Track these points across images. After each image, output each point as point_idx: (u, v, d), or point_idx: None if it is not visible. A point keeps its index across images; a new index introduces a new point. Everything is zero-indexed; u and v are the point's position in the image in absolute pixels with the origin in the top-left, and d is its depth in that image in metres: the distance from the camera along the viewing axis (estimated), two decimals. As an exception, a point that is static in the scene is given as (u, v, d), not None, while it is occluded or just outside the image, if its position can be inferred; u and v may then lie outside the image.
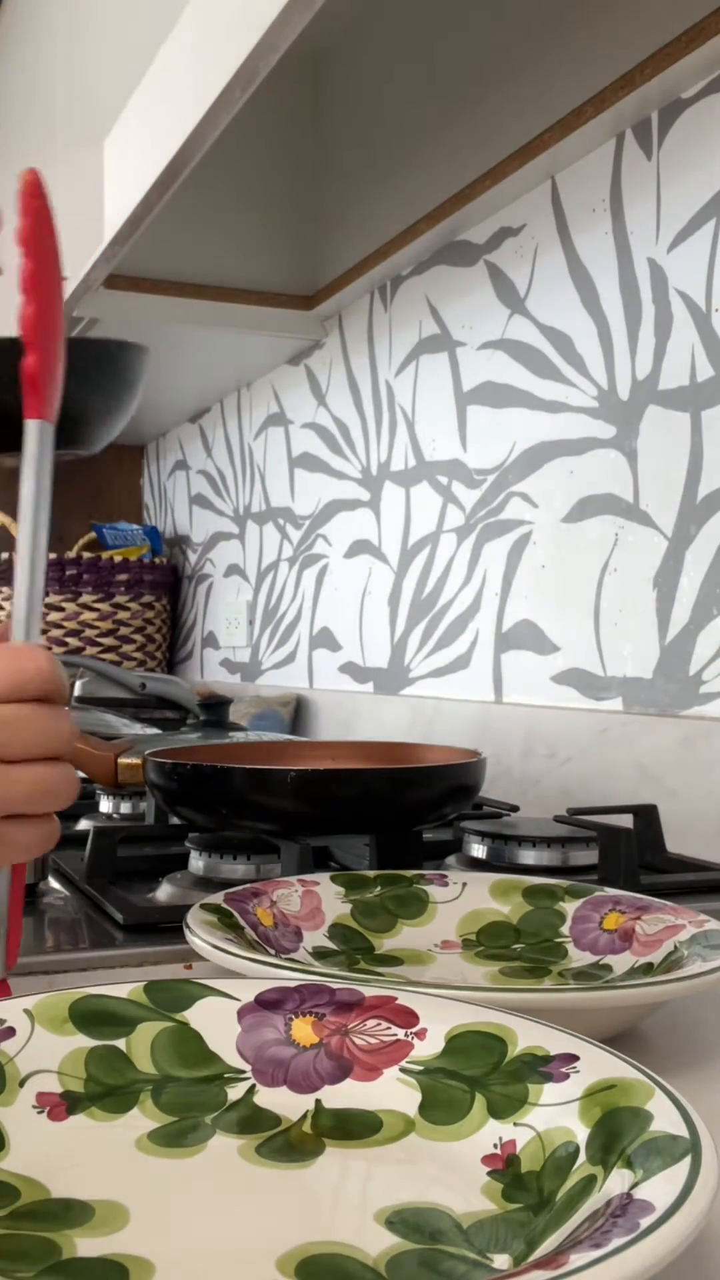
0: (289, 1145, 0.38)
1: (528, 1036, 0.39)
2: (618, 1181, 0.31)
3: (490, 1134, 0.37)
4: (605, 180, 1.06)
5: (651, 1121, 0.33)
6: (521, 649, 1.18)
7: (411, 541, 1.39)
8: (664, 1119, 0.32)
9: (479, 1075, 0.39)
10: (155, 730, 1.41)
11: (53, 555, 2.10)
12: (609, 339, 1.06)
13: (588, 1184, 0.32)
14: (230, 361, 1.79)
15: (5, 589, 2.09)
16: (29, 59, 1.68)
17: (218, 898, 0.57)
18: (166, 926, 0.64)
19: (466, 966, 0.59)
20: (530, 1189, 0.34)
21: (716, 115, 0.94)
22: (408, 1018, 0.41)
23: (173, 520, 2.35)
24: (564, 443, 1.12)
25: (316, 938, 0.59)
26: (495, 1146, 0.36)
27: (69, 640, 2.09)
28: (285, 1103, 0.40)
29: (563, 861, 0.79)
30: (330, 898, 0.62)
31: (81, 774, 1.02)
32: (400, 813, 0.76)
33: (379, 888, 0.64)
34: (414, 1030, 0.41)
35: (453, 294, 1.31)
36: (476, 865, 0.80)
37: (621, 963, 0.57)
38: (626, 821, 0.81)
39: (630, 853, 0.74)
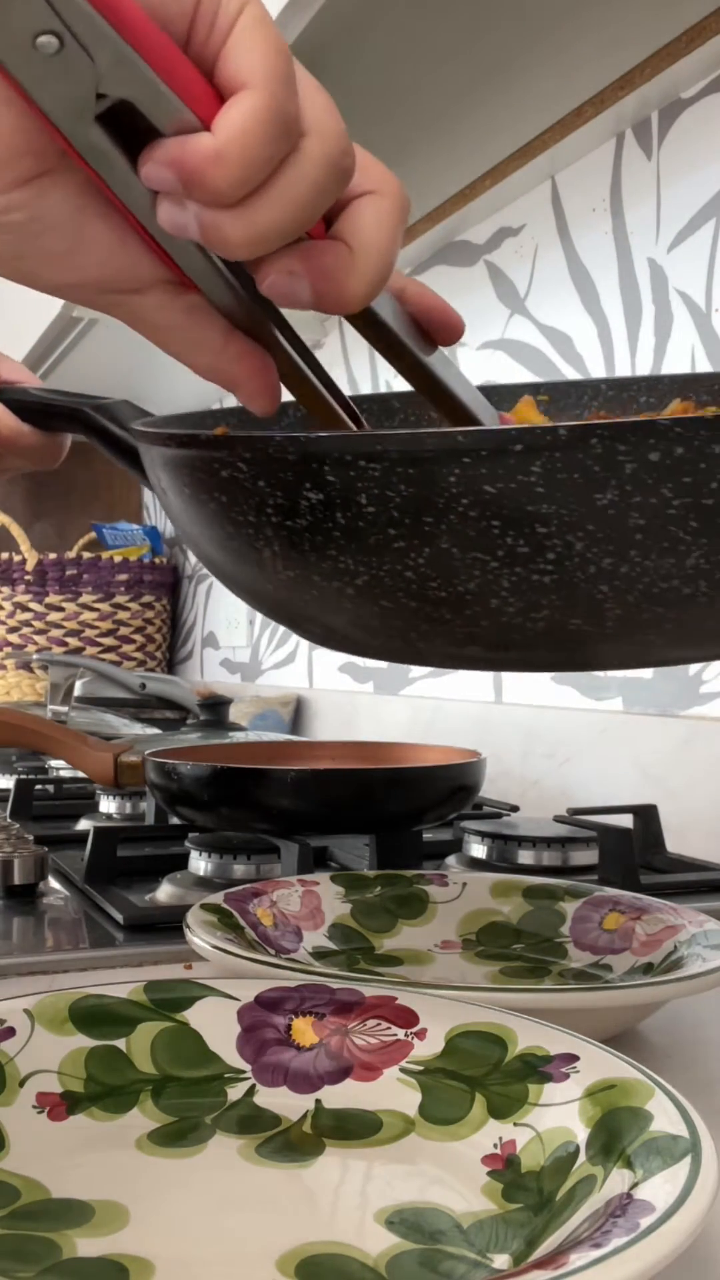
0: (289, 1145, 0.38)
1: (528, 1036, 0.39)
2: (618, 1181, 0.31)
3: (490, 1134, 0.37)
4: (605, 180, 1.06)
5: (651, 1121, 0.33)
6: (521, 649, 1.18)
7: (411, 541, 1.39)
8: (664, 1119, 0.32)
9: (479, 1075, 0.39)
10: (155, 730, 1.41)
11: (53, 555, 2.10)
12: (609, 339, 1.06)
13: (588, 1184, 0.32)
14: (230, 361, 1.78)
15: (5, 589, 2.09)
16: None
17: (218, 898, 0.57)
18: (166, 926, 0.64)
19: (466, 966, 0.59)
20: (530, 1189, 0.34)
21: (716, 115, 0.94)
22: (408, 1018, 0.41)
23: (173, 520, 2.35)
24: (564, 443, 1.12)
25: (316, 938, 0.59)
26: (495, 1146, 0.36)
27: (69, 640, 2.09)
28: (285, 1103, 0.40)
29: (563, 861, 0.79)
30: (330, 898, 0.62)
31: (81, 774, 1.02)
32: (400, 813, 0.76)
33: (379, 888, 0.64)
34: (414, 1030, 0.41)
35: (453, 294, 1.31)
36: (476, 865, 0.80)
37: (621, 963, 0.57)
38: (626, 821, 0.81)
39: (630, 853, 0.74)
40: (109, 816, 1.01)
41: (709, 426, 0.34)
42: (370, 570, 0.39)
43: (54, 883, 0.76)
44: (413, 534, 0.37)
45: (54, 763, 1.28)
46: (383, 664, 1.46)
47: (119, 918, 0.65)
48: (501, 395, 0.62)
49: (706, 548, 0.36)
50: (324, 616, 0.44)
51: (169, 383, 1.95)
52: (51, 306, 1.52)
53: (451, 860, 0.82)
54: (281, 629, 1.78)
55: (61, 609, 2.09)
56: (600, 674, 1.06)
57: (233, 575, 0.46)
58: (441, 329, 0.43)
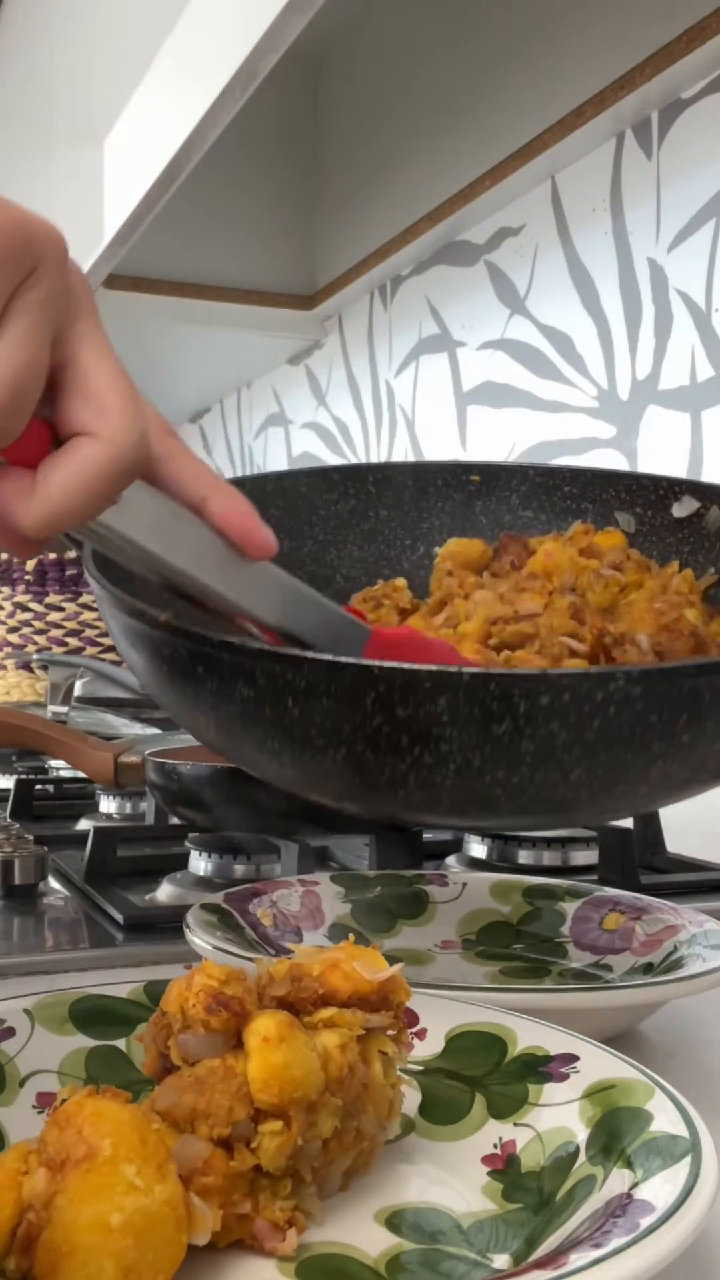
0: (289, 1145, 0.38)
1: (528, 1036, 0.39)
2: (618, 1181, 0.31)
3: (490, 1134, 0.37)
4: (605, 180, 1.06)
5: (651, 1121, 0.33)
6: (521, 649, 1.18)
7: (411, 541, 1.39)
8: (664, 1119, 0.32)
9: (479, 1075, 0.39)
10: (155, 730, 1.40)
11: (53, 555, 2.10)
12: (609, 339, 1.06)
13: (588, 1184, 0.32)
14: (230, 361, 1.79)
15: (4, 589, 2.09)
16: (29, 59, 1.68)
17: (218, 898, 0.57)
18: (166, 926, 0.64)
19: (466, 966, 0.59)
20: (530, 1189, 0.34)
21: (716, 115, 0.94)
22: (408, 1018, 0.41)
23: (173, 520, 2.34)
24: (564, 443, 1.12)
25: (316, 938, 0.59)
26: (495, 1146, 0.36)
27: (69, 640, 2.08)
28: (285, 1103, 0.40)
29: (563, 861, 0.79)
30: (330, 898, 0.62)
31: (81, 774, 1.02)
32: (400, 813, 0.76)
33: (379, 888, 0.64)
34: (414, 1030, 0.41)
35: (453, 294, 1.31)
36: (476, 865, 0.80)
37: (621, 963, 0.57)
38: (626, 821, 0.81)
39: (630, 853, 0.74)
40: (109, 816, 1.01)
41: (591, 680, 0.40)
42: (294, 756, 0.45)
43: (54, 883, 0.75)
44: (332, 737, 0.43)
45: (54, 763, 1.28)
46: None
47: (119, 918, 0.65)
48: (445, 472, 0.67)
49: (588, 765, 0.42)
50: (255, 769, 0.52)
51: (167, 383, 1.95)
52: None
53: (451, 860, 0.82)
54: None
55: (61, 609, 2.09)
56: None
57: (172, 715, 0.54)
58: (246, 545, 0.42)
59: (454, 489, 0.68)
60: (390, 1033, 0.35)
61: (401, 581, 0.65)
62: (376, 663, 0.42)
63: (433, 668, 0.41)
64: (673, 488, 0.65)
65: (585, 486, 0.67)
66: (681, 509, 0.64)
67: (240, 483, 0.65)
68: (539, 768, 0.42)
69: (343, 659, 0.42)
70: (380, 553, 0.67)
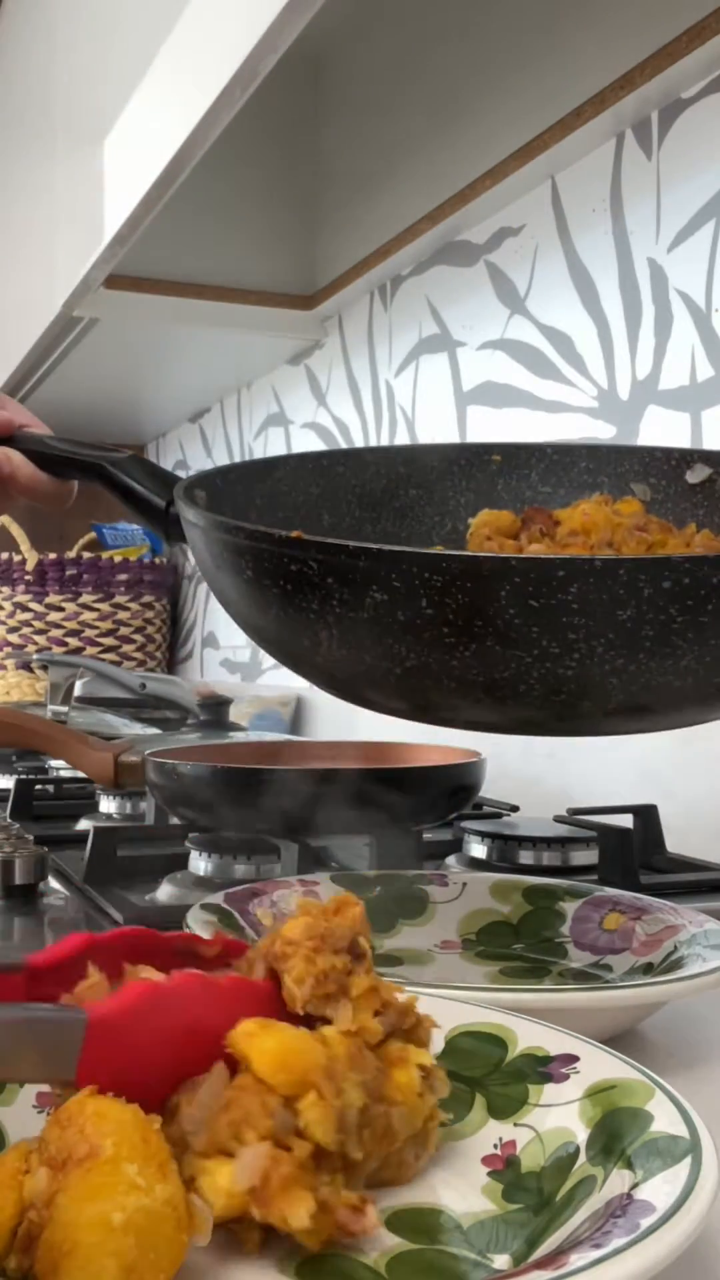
0: (289, 1145, 0.38)
1: (528, 1036, 0.39)
2: (618, 1182, 0.31)
3: (490, 1134, 0.37)
4: (605, 180, 1.06)
5: (651, 1122, 0.33)
6: (521, 649, 1.18)
7: (411, 541, 1.39)
8: (664, 1119, 0.33)
9: (479, 1075, 0.39)
10: (155, 730, 1.41)
11: (53, 555, 2.10)
12: (609, 339, 1.06)
13: (588, 1184, 0.32)
14: (230, 361, 1.79)
15: (5, 589, 2.09)
16: (29, 59, 1.68)
17: (218, 898, 0.57)
18: (166, 926, 0.63)
19: (466, 966, 0.59)
20: (530, 1189, 0.34)
21: (716, 115, 0.94)
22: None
23: (173, 520, 2.34)
24: (564, 443, 1.12)
25: (316, 938, 0.59)
26: (495, 1146, 0.36)
27: (69, 640, 2.08)
28: (285, 1103, 0.40)
29: (563, 861, 0.79)
30: (330, 898, 0.62)
31: (81, 774, 1.02)
32: (400, 813, 0.76)
33: (379, 888, 0.64)
34: (414, 1030, 0.41)
35: (453, 294, 1.31)
36: (476, 865, 0.80)
37: (621, 963, 0.57)
38: (626, 821, 0.81)
39: (630, 853, 0.74)
40: (109, 816, 1.01)
41: (711, 563, 0.43)
42: (420, 658, 0.46)
43: (54, 883, 0.76)
44: (464, 633, 0.45)
45: (54, 763, 1.28)
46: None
47: (119, 918, 0.65)
48: (467, 453, 0.70)
49: (698, 652, 0.45)
50: (363, 687, 0.51)
51: (167, 383, 1.95)
52: (51, 306, 1.52)
53: (451, 860, 0.82)
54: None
55: (61, 609, 2.09)
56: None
57: (276, 641, 0.53)
58: None
59: (476, 468, 0.70)
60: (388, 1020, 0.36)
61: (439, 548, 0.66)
62: (516, 556, 0.44)
63: (566, 557, 0.44)
64: (685, 457, 0.68)
65: (601, 461, 0.70)
66: (695, 475, 0.67)
67: (284, 461, 0.67)
68: (655, 654, 0.44)
69: (481, 554, 0.44)
70: (413, 528, 0.70)
